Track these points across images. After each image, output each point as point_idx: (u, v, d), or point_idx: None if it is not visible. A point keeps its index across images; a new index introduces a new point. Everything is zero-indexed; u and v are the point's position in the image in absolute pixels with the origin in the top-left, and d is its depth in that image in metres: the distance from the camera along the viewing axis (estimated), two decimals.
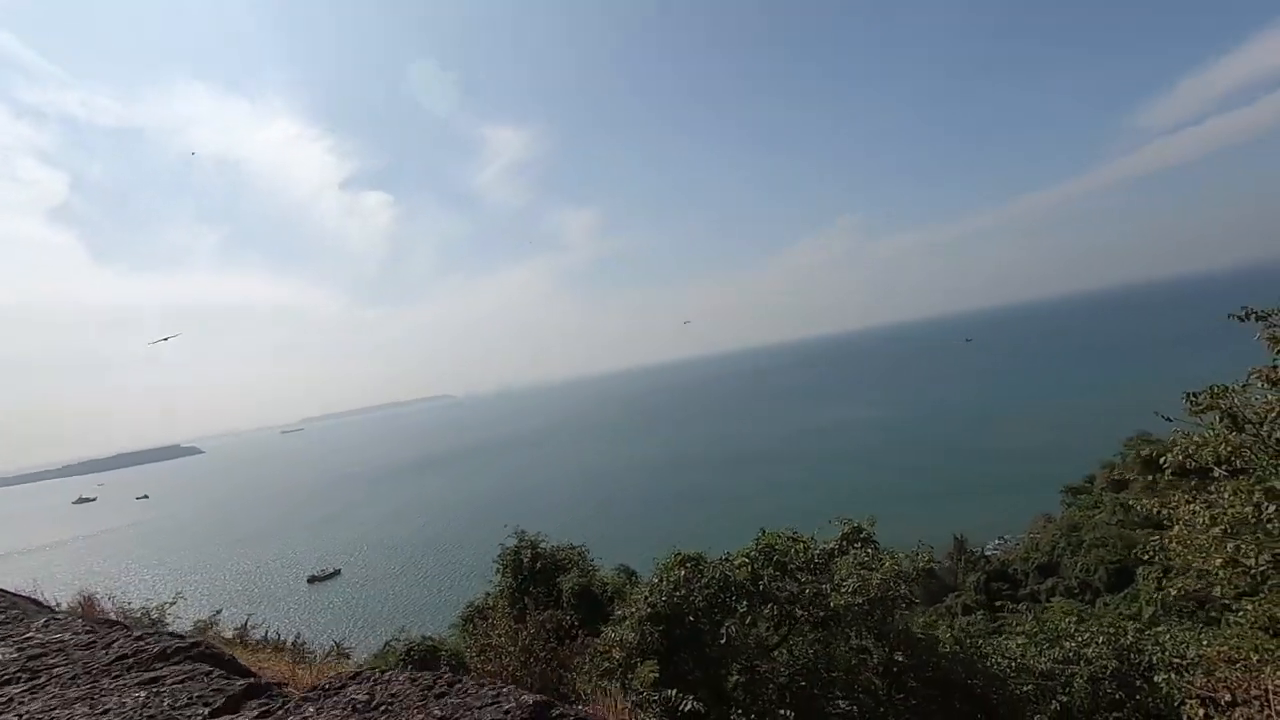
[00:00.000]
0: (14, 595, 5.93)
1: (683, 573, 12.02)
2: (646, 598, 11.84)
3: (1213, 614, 37.29)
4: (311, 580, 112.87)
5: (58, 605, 8.32)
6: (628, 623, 11.97)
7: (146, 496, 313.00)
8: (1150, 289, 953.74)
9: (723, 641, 11.01)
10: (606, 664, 11.61)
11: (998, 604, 60.76)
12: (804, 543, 12.43)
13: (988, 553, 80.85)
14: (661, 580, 12.04)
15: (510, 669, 16.55)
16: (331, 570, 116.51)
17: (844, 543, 12.38)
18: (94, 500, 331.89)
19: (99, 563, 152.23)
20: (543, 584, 19.40)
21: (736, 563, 12.05)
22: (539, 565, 20.01)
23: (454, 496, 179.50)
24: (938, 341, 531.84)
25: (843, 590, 11.10)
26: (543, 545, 21.14)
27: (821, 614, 11.10)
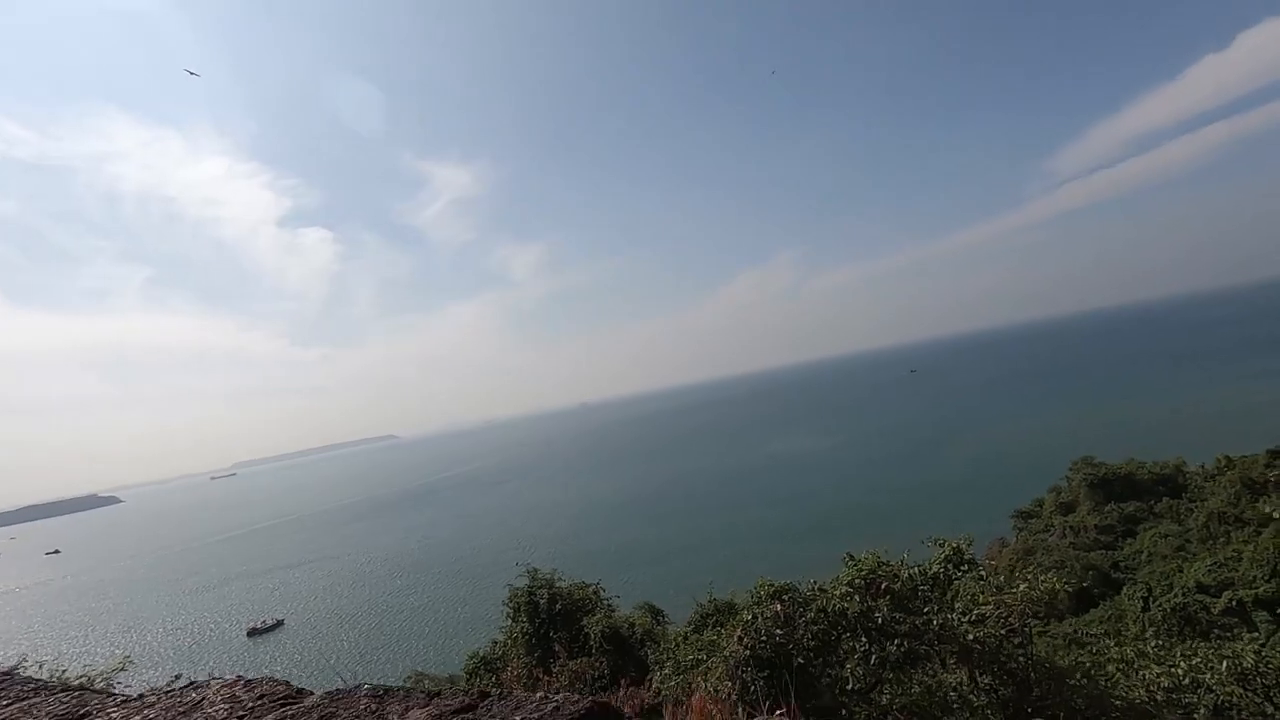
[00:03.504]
0: None
1: (779, 606, 10.31)
2: (741, 638, 10.06)
3: (1217, 632, 37.53)
4: (252, 633, 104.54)
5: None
6: (719, 669, 10.15)
7: (58, 551, 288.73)
8: (1078, 320, 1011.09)
9: (850, 686, 9.34)
10: None
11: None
12: (896, 567, 10.95)
13: None
14: (755, 617, 10.28)
15: None
16: (273, 622, 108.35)
17: (948, 566, 10.96)
18: None
19: (5, 627, 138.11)
20: (564, 627, 17.26)
21: (838, 593, 10.43)
22: (559, 607, 17.87)
23: (399, 541, 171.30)
24: (881, 373, 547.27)
25: (970, 619, 9.63)
26: (560, 584, 19.01)
27: (954, 649, 9.59)
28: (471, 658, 21.01)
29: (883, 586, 10.23)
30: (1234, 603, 40.15)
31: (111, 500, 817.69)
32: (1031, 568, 11.53)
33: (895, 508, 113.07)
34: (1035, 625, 10.37)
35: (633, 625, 18.20)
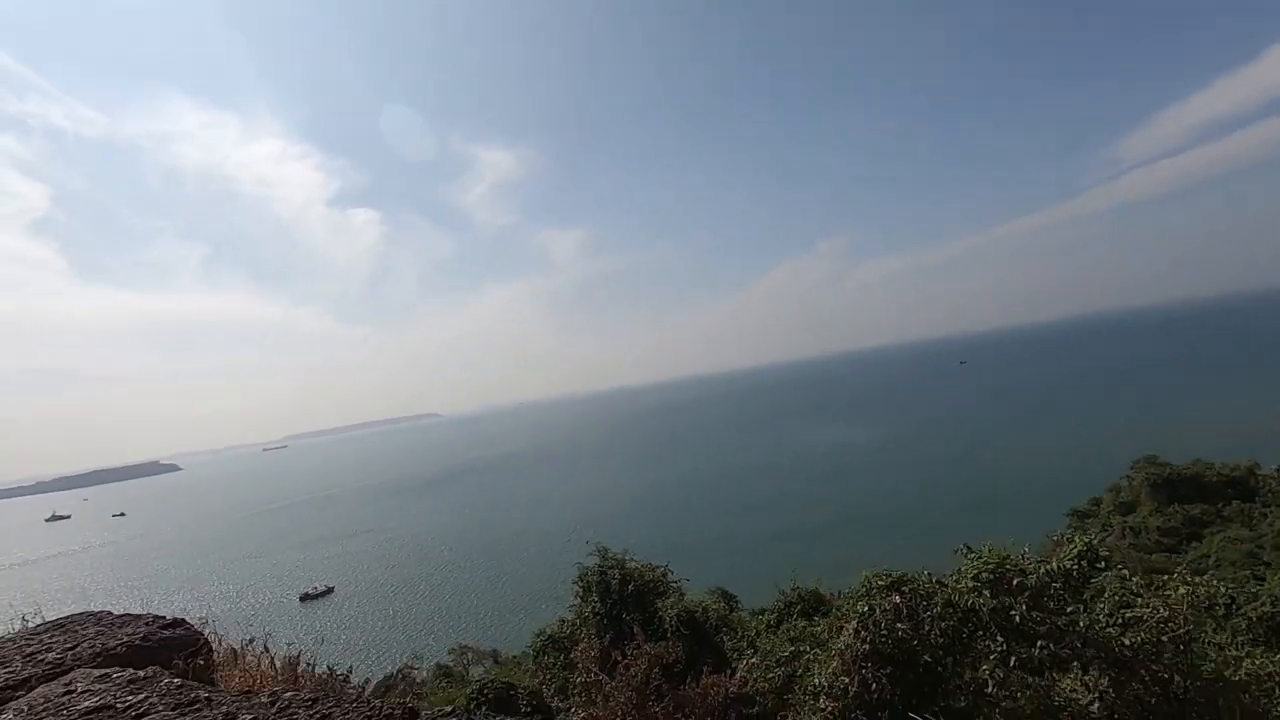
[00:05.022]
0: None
1: (897, 599, 9.51)
2: (858, 630, 9.30)
3: None
4: (304, 598, 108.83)
5: None
6: (833, 663, 9.42)
7: (123, 514, 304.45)
8: (1137, 315, 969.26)
9: (989, 690, 8.53)
10: (819, 719, 9.05)
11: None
12: (1021, 562, 9.98)
13: None
14: (872, 609, 9.50)
15: (622, 713, 13.78)
16: (324, 588, 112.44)
17: (1081, 563, 9.97)
18: (68, 517, 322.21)
19: (75, 582, 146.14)
20: (637, 610, 16.71)
21: (962, 587, 9.57)
22: (631, 588, 17.34)
23: (442, 517, 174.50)
24: (931, 364, 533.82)
25: (1119, 622, 8.68)
26: (630, 564, 18.46)
27: (1098, 653, 8.66)
28: (538, 635, 20.65)
29: (1015, 582, 9.33)
30: None
31: (172, 468, 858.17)
32: (1182, 566, 10.43)
33: (944, 503, 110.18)
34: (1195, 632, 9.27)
35: (706, 610, 17.60)
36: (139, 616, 5.35)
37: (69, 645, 4.41)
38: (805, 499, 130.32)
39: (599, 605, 17.43)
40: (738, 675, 14.55)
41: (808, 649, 11.44)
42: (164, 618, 5.44)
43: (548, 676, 17.68)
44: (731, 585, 37.09)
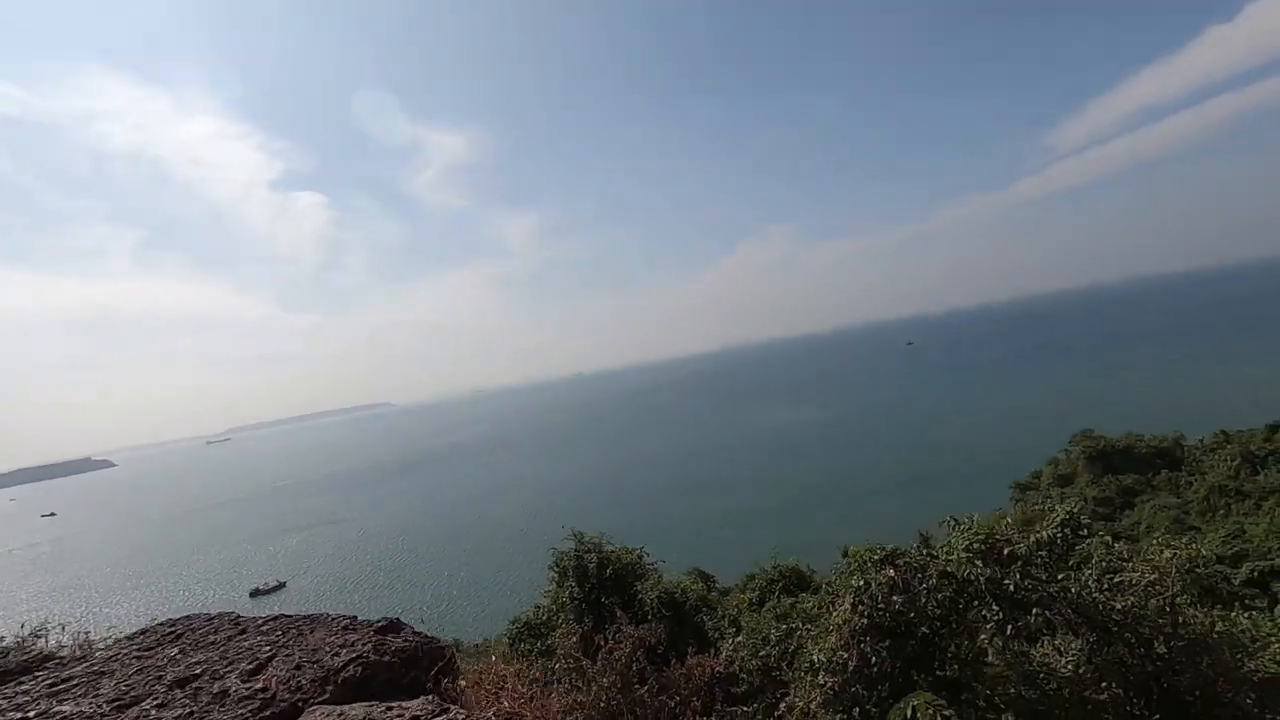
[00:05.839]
0: None
1: (892, 572, 9.50)
2: (855, 605, 9.26)
3: (1248, 603, 37.56)
4: (254, 594, 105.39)
5: None
6: (830, 639, 9.36)
7: (54, 514, 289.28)
8: (1075, 295, 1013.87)
9: (987, 658, 8.61)
10: (819, 695, 8.98)
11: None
12: (1007, 531, 10.12)
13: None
14: (868, 584, 9.47)
15: (606, 698, 13.58)
16: (275, 583, 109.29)
17: (1066, 531, 10.14)
18: None
19: (2, 588, 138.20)
20: (617, 593, 16.49)
21: (954, 558, 9.62)
22: (610, 571, 17.08)
23: (397, 509, 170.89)
24: (879, 345, 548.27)
25: (1106, 587, 8.87)
26: (607, 548, 18.18)
27: (1085, 618, 8.83)
28: (514, 622, 20.22)
29: (1005, 552, 9.44)
30: (1254, 574, 40.18)
31: (105, 464, 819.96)
32: (1161, 532, 10.74)
33: (894, 479, 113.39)
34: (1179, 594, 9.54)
35: (686, 591, 17.49)
36: (315, 618, 3.70)
37: (247, 665, 2.57)
38: (764, 479, 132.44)
39: (576, 590, 17.14)
40: (723, 655, 14.52)
41: (800, 625, 11.41)
42: (353, 618, 3.78)
43: (522, 663, 17.29)
44: (698, 565, 37.41)
